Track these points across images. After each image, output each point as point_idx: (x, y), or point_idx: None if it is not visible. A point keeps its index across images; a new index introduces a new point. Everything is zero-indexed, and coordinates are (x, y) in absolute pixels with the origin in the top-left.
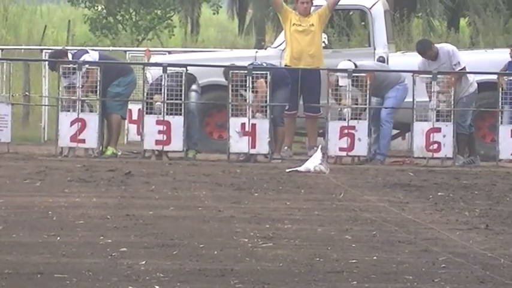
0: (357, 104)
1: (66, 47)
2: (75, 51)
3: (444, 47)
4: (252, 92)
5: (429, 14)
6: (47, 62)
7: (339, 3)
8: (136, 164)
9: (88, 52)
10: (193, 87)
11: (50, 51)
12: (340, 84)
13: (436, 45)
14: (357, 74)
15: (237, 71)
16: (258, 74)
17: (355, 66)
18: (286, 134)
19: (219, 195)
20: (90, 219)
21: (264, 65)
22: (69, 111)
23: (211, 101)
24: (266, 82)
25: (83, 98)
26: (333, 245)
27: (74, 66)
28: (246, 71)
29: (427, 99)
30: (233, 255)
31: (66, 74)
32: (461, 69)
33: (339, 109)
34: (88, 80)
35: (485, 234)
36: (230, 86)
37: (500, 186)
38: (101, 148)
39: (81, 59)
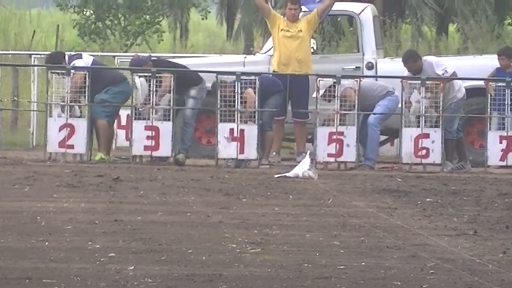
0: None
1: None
2: (71, 55)
3: (427, 60)
4: (241, 102)
5: (419, 20)
6: (35, 67)
7: None
8: (125, 169)
9: (81, 57)
10: (192, 93)
11: (39, 56)
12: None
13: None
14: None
15: (225, 84)
16: (246, 80)
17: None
18: (275, 140)
19: (208, 201)
20: (78, 225)
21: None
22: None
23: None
24: (254, 92)
25: (71, 104)
26: (321, 250)
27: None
28: (233, 88)
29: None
30: (221, 260)
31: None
32: (451, 75)
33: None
34: (72, 84)
35: (474, 240)
36: (219, 92)
37: (489, 192)
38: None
39: (72, 63)
